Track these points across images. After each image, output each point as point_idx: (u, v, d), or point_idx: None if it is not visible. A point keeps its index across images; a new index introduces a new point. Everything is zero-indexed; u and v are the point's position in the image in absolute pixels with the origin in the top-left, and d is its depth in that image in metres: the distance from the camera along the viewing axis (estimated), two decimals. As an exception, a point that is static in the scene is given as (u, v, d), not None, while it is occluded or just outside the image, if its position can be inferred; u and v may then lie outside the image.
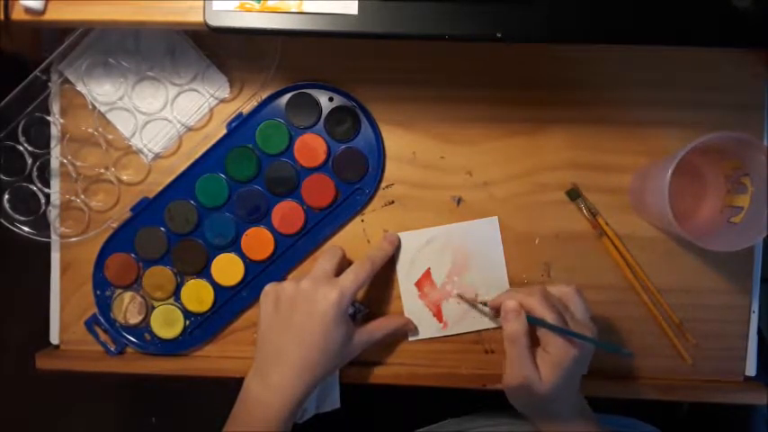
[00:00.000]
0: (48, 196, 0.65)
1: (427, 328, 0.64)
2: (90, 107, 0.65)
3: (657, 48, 0.60)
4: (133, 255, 0.65)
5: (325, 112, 0.64)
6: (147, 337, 0.66)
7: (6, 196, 0.63)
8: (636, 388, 0.62)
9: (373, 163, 0.64)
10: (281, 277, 0.65)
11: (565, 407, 0.55)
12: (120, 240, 0.65)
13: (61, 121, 0.65)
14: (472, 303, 0.63)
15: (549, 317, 0.52)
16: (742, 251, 0.59)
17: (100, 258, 0.65)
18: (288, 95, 0.64)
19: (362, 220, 0.65)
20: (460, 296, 0.64)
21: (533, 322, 0.54)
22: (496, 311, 0.58)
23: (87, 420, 0.82)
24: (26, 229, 0.64)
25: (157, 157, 0.65)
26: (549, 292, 0.56)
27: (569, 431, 0.56)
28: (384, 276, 0.64)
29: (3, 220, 0.63)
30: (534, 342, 0.55)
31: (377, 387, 0.64)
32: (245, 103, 0.64)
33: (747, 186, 0.57)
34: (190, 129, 0.65)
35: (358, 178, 0.64)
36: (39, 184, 0.64)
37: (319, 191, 0.64)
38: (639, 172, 0.63)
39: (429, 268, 0.64)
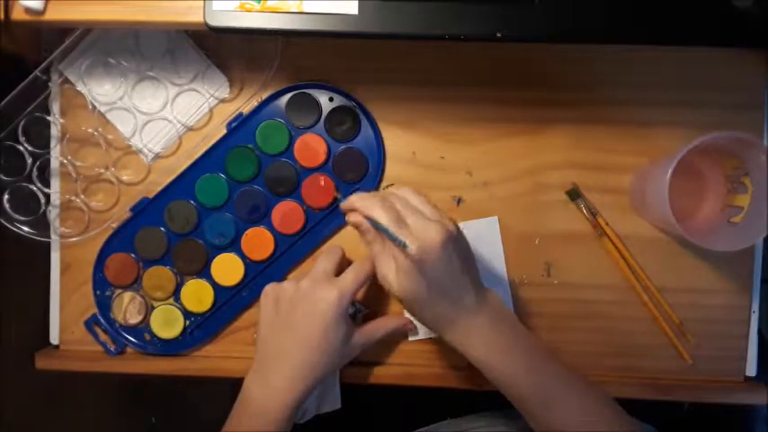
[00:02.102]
0: (48, 196, 0.65)
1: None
2: (90, 107, 0.65)
3: (657, 47, 0.60)
4: (133, 255, 0.65)
5: (325, 112, 0.64)
6: (147, 337, 0.66)
7: (6, 196, 0.63)
8: (636, 388, 0.62)
9: (373, 163, 0.64)
10: (281, 277, 0.65)
11: (461, 304, 0.51)
12: (120, 240, 0.65)
13: (61, 121, 0.65)
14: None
15: (376, 213, 0.49)
16: (742, 251, 0.59)
17: (100, 258, 0.65)
18: (288, 95, 0.64)
19: (362, 220, 0.65)
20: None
21: (370, 222, 0.50)
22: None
23: (87, 420, 0.82)
24: (26, 229, 0.64)
25: (157, 157, 0.65)
26: (394, 193, 0.53)
27: (473, 329, 0.51)
28: (384, 276, 0.64)
29: (3, 220, 0.63)
30: None
31: (377, 387, 0.64)
32: (245, 103, 0.64)
33: (747, 186, 0.57)
34: (190, 129, 0.65)
35: (358, 178, 0.64)
36: (39, 184, 0.64)
37: (319, 191, 0.64)
38: (639, 172, 0.63)
39: (429, 268, 0.64)
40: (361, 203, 0.51)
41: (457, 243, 0.50)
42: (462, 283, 0.51)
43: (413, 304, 0.51)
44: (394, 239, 0.48)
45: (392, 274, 0.50)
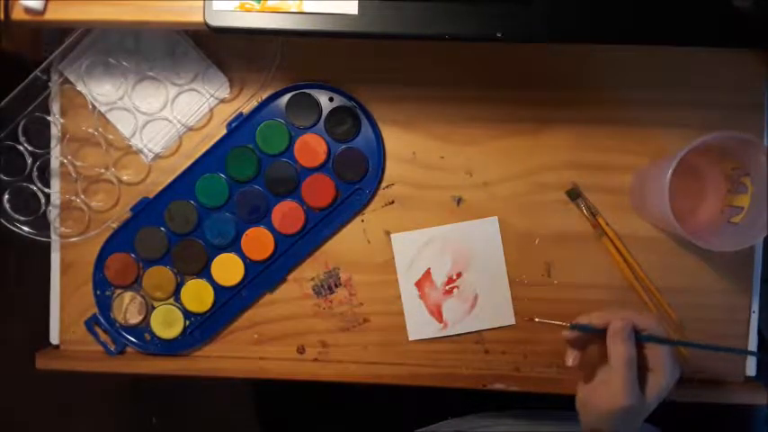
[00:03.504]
0: (48, 196, 0.65)
1: (427, 328, 0.64)
2: (90, 107, 0.65)
3: (657, 47, 0.60)
4: (133, 255, 0.65)
5: (325, 112, 0.64)
6: (147, 337, 0.66)
7: (6, 196, 0.63)
8: (636, 388, 0.62)
9: (373, 163, 0.64)
10: (281, 277, 0.65)
11: (639, 427, 0.53)
12: (120, 240, 0.65)
13: (61, 121, 0.65)
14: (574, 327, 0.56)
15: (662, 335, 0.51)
16: (742, 251, 0.59)
17: (100, 258, 0.65)
18: (288, 95, 0.64)
19: (362, 220, 0.65)
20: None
21: (647, 340, 0.51)
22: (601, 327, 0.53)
23: (87, 420, 0.82)
24: (26, 229, 0.64)
25: (157, 157, 0.65)
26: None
27: None
28: (384, 276, 0.64)
29: (3, 220, 0.63)
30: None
31: (377, 387, 0.64)
32: (245, 103, 0.64)
33: (747, 186, 0.57)
34: (190, 129, 0.65)
35: (358, 178, 0.64)
36: (39, 184, 0.64)
37: (319, 191, 0.64)
38: (639, 172, 0.63)
39: (429, 268, 0.64)
40: (639, 319, 0.52)
41: None
42: None
43: (642, 417, 0.52)
44: (709, 347, 0.54)
45: (642, 397, 0.51)
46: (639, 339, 0.51)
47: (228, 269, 0.65)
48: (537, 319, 0.57)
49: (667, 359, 0.51)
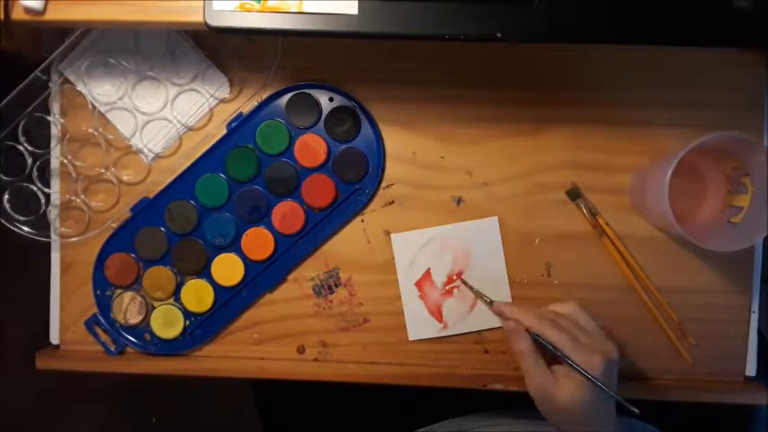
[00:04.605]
0: (48, 196, 0.65)
1: (427, 328, 0.64)
2: (90, 107, 0.65)
3: (657, 48, 0.60)
4: (133, 255, 0.65)
5: (325, 112, 0.64)
6: (147, 337, 0.66)
7: (6, 196, 0.63)
8: (636, 388, 0.62)
9: (373, 163, 0.64)
10: (281, 277, 0.65)
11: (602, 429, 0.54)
12: (120, 240, 0.65)
13: (61, 121, 0.65)
14: (476, 293, 0.63)
15: (553, 335, 0.53)
16: (742, 251, 0.59)
17: (100, 258, 0.65)
18: (288, 95, 0.64)
19: (362, 220, 0.65)
20: (464, 281, 0.63)
21: (537, 339, 0.54)
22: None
23: (87, 420, 0.82)
24: (26, 229, 0.64)
25: (157, 157, 0.65)
26: (556, 311, 0.56)
27: None
28: (384, 276, 0.64)
29: (3, 220, 0.63)
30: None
31: (377, 387, 0.64)
32: (245, 103, 0.64)
33: (747, 186, 0.57)
34: (190, 129, 0.65)
35: (358, 178, 0.64)
36: (39, 184, 0.64)
37: (319, 191, 0.64)
38: (639, 172, 0.63)
39: (429, 268, 0.64)
40: (530, 323, 0.54)
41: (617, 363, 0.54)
42: (613, 404, 0.54)
43: (576, 416, 0.52)
44: (573, 366, 0.52)
45: (550, 381, 0.52)
46: (533, 337, 0.54)
47: (228, 269, 0.65)
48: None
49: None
